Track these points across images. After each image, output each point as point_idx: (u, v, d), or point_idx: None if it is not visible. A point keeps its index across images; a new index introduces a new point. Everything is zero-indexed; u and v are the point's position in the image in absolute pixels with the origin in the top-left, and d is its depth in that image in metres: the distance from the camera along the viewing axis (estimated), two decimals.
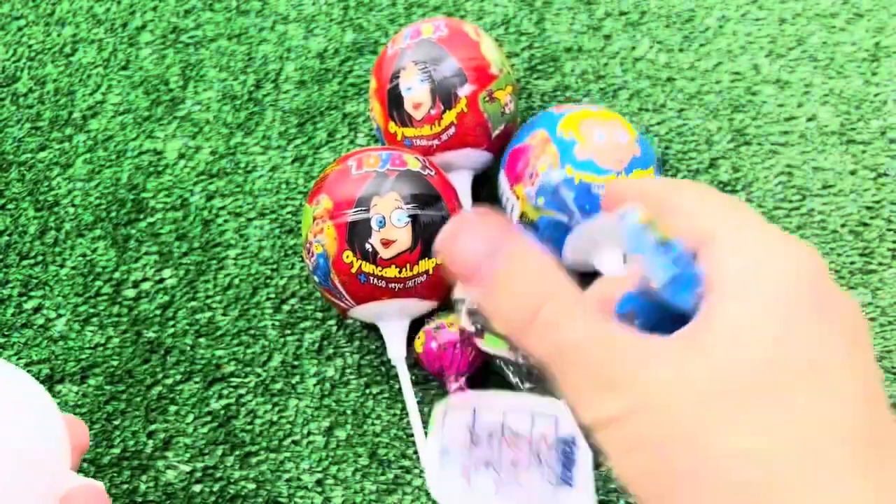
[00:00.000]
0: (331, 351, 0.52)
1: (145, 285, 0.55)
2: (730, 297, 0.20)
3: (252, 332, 0.53)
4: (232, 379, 0.51)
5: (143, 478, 0.49)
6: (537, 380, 0.47)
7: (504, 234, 0.21)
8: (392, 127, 0.52)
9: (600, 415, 0.19)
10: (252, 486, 0.48)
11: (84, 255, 0.56)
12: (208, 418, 0.50)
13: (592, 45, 0.62)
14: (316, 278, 0.48)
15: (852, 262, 0.53)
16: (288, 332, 0.53)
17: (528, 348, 0.20)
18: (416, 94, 0.51)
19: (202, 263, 0.55)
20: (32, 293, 0.55)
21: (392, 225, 0.45)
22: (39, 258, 0.56)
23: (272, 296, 0.54)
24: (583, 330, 0.20)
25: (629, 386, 0.19)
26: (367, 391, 0.51)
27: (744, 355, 0.19)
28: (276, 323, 0.53)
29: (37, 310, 0.54)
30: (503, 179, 0.51)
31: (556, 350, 0.20)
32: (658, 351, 0.19)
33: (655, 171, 0.49)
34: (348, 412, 0.50)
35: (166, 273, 0.55)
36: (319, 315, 0.53)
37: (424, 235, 0.46)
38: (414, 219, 0.46)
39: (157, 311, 0.54)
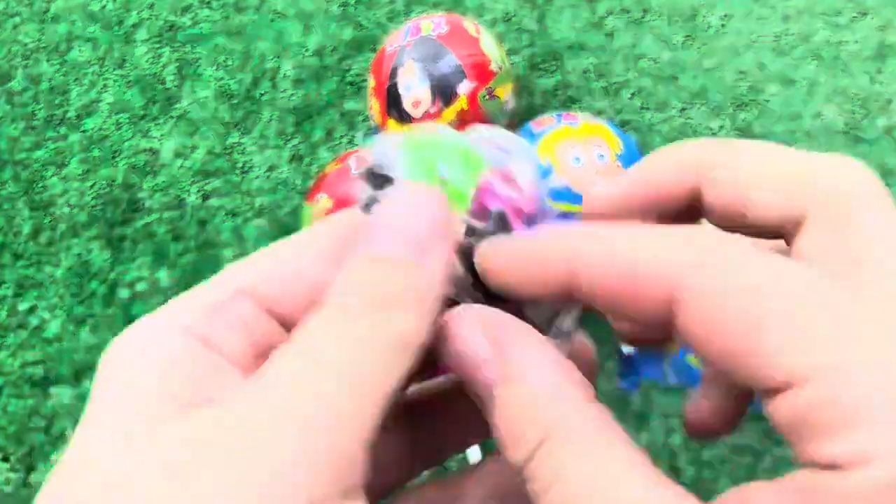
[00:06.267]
0: None
1: (140, 286, 0.54)
2: None
3: None
4: None
5: None
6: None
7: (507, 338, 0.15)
8: (391, 125, 0.51)
9: None
10: None
11: (79, 256, 0.55)
12: None
13: (595, 43, 0.61)
14: None
15: None
16: None
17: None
18: (415, 91, 0.50)
19: (198, 264, 0.55)
20: (27, 294, 0.54)
21: None
22: (34, 258, 0.55)
23: None
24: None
25: None
26: None
27: None
28: None
29: (31, 311, 0.54)
30: None
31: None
32: None
33: None
34: None
35: (161, 274, 0.54)
36: None
37: None
38: None
39: None
